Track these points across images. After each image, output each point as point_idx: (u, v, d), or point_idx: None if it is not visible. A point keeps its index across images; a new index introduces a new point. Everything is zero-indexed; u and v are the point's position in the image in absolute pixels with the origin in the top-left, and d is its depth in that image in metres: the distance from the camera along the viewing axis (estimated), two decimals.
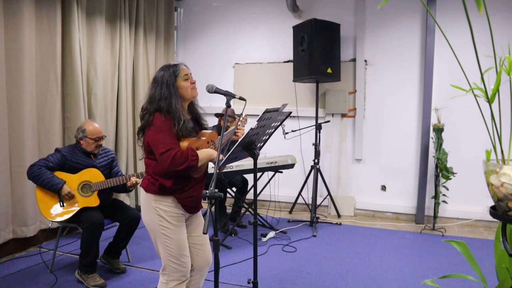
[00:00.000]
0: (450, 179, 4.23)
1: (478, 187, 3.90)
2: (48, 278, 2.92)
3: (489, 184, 1.07)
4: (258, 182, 3.68)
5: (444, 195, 4.37)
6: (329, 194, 4.80)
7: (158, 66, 5.08)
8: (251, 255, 3.02)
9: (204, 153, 1.96)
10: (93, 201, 2.93)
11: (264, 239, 3.90)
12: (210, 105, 5.06)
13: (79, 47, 3.79)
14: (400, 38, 4.71)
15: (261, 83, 5.31)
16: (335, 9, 4.92)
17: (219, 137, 1.93)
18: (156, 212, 1.97)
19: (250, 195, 4.40)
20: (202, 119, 2.17)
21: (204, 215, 2.06)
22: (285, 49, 5.05)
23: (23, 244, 3.46)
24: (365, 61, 4.87)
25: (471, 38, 1.10)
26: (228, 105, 1.95)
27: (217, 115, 4.30)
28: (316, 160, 4.56)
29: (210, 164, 3.37)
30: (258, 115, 2.04)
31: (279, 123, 2.41)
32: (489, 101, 1.09)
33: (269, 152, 4.10)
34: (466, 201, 4.48)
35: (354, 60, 4.91)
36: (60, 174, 2.87)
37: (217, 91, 1.96)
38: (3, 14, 3.14)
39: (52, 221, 2.91)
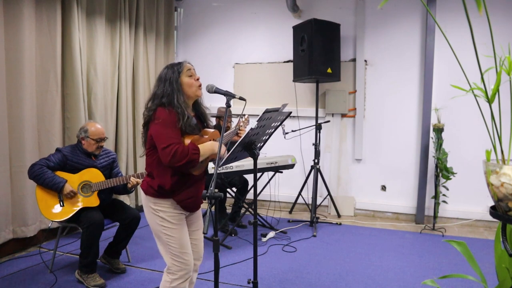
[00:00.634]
0: (450, 179, 4.23)
1: (478, 187, 3.91)
2: (48, 278, 2.92)
3: (489, 184, 1.07)
4: (258, 182, 3.68)
5: (444, 195, 4.37)
6: (329, 194, 4.80)
7: (158, 66, 5.08)
8: (251, 255, 3.02)
9: (207, 146, 1.95)
10: (93, 201, 2.93)
11: (264, 239, 3.90)
12: (210, 105, 4.96)
13: (79, 47, 3.79)
14: (400, 38, 4.71)
15: (261, 83, 5.31)
16: (335, 9, 4.92)
17: (220, 137, 1.92)
18: (156, 213, 1.98)
19: (250, 195, 4.40)
20: (208, 119, 2.17)
21: (204, 215, 2.06)
22: (285, 49, 5.05)
23: (23, 244, 3.46)
24: (365, 61, 4.87)
25: (471, 38, 1.10)
26: (228, 105, 1.94)
27: (214, 116, 4.31)
28: (316, 160, 4.56)
29: (210, 164, 3.38)
30: (258, 115, 2.04)
31: (279, 123, 2.41)
32: (489, 101, 1.09)
33: (269, 152, 4.10)
34: (466, 201, 4.48)
35: (354, 60, 4.92)
36: (61, 174, 2.87)
37: (217, 91, 1.96)
38: (3, 14, 3.14)
39: (52, 221, 2.91)
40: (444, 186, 4.35)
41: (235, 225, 4.15)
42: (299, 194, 4.88)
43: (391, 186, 4.87)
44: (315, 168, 4.55)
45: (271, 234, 4.02)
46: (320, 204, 4.92)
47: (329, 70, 4.46)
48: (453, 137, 4.44)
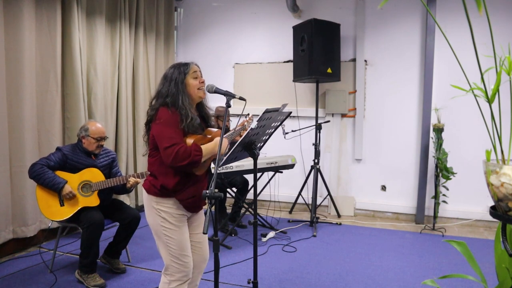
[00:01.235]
0: (450, 179, 4.23)
1: (478, 187, 3.90)
2: (48, 278, 2.92)
3: (489, 184, 1.07)
4: (258, 182, 3.68)
5: (444, 195, 4.37)
6: (329, 194, 4.79)
7: (158, 66, 5.08)
8: (251, 255, 3.02)
9: (210, 146, 1.96)
10: (93, 200, 2.93)
11: (264, 239, 3.90)
12: (210, 106, 5.05)
13: (79, 47, 3.79)
14: (400, 38, 4.71)
15: (261, 83, 5.31)
16: (335, 9, 4.92)
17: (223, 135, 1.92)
18: (157, 213, 1.98)
19: (250, 195, 4.40)
20: (211, 119, 2.18)
21: (204, 214, 2.06)
22: (285, 49, 5.05)
23: (23, 244, 3.46)
24: (365, 61, 4.87)
25: (471, 38, 1.10)
26: (228, 105, 1.94)
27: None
28: (316, 160, 4.56)
29: (212, 164, 3.38)
30: (258, 115, 2.04)
31: (279, 123, 2.41)
32: (489, 101, 1.09)
33: (269, 152, 4.10)
34: (466, 201, 4.48)
35: (354, 60, 4.92)
36: (61, 174, 2.87)
37: (217, 91, 1.96)
38: (3, 14, 3.14)
39: (52, 221, 2.91)
40: (444, 186, 4.35)
41: (235, 225, 4.15)
42: (299, 194, 4.88)
43: (391, 186, 4.87)
44: (315, 168, 4.55)
45: (271, 234, 4.02)
46: (320, 204, 4.92)
47: (329, 70, 4.46)
48: (453, 137, 4.44)
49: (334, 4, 4.94)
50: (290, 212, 5.05)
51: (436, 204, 4.29)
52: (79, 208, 2.87)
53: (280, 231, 4.16)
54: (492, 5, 4.05)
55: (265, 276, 3.06)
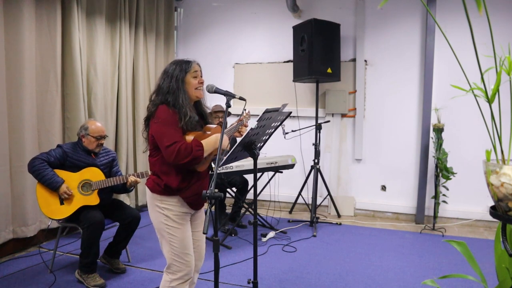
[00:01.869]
0: (450, 179, 4.23)
1: (478, 187, 3.90)
2: (48, 278, 2.92)
3: (489, 184, 1.07)
4: (258, 182, 3.68)
5: (444, 195, 4.37)
6: (329, 194, 4.79)
7: (158, 66, 5.08)
8: (251, 255, 3.02)
9: (211, 141, 1.96)
10: (93, 199, 2.93)
11: (264, 239, 3.90)
12: (210, 105, 5.04)
13: (79, 47, 3.79)
14: (400, 38, 4.71)
15: (261, 83, 5.31)
16: (335, 9, 4.92)
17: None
18: (161, 211, 1.98)
19: (250, 195, 4.40)
20: (208, 118, 2.18)
21: (205, 214, 2.06)
22: (285, 49, 5.05)
23: (23, 244, 3.46)
24: (365, 61, 4.87)
25: (471, 38, 1.10)
26: (228, 105, 1.95)
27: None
28: (316, 160, 4.56)
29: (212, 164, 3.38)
30: (258, 115, 2.04)
31: (279, 123, 2.41)
32: (489, 101, 1.09)
33: (269, 152, 4.10)
34: (466, 201, 4.48)
35: (354, 60, 4.92)
36: (62, 173, 2.87)
37: (217, 91, 1.96)
38: (3, 14, 3.14)
39: (52, 220, 2.91)
40: (444, 186, 4.35)
41: (235, 225, 4.15)
42: (299, 194, 4.88)
43: (391, 186, 4.87)
44: (315, 168, 4.55)
45: (271, 234, 4.01)
46: (320, 204, 4.92)
47: (329, 70, 4.46)
48: (453, 137, 4.44)
49: (334, 4, 4.94)
50: (290, 212, 5.05)
51: (436, 204, 4.29)
52: (79, 207, 2.87)
53: (280, 231, 4.16)
54: (492, 5, 4.05)
55: (265, 276, 3.06)
